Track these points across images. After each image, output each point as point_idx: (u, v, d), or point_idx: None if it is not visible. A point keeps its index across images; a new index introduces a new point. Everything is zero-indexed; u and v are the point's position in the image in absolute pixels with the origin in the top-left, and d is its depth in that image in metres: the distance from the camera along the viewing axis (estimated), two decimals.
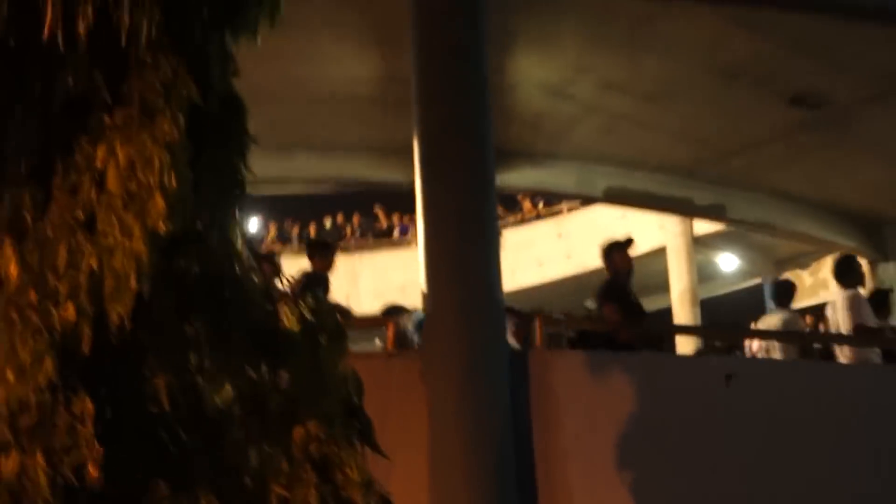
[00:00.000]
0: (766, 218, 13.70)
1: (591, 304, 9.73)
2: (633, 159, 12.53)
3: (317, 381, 4.67)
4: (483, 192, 8.38)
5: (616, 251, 9.68)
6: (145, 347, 4.18)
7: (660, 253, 21.02)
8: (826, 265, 16.58)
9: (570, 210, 25.30)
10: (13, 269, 4.12)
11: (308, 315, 4.81)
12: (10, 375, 3.90)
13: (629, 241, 9.93)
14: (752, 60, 10.58)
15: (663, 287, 20.89)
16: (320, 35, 10.20)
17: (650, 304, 18.80)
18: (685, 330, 16.43)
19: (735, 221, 13.54)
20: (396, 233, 28.52)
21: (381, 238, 28.85)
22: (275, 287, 4.87)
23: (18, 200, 4.28)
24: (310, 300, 4.89)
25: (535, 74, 10.00)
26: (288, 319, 4.77)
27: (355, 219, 28.68)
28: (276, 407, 4.51)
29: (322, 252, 10.00)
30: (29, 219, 4.25)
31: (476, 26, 8.43)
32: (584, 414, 8.26)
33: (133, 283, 4.01)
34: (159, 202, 4.11)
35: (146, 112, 4.36)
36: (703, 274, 21.95)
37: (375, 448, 4.85)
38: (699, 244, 20.57)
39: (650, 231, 20.44)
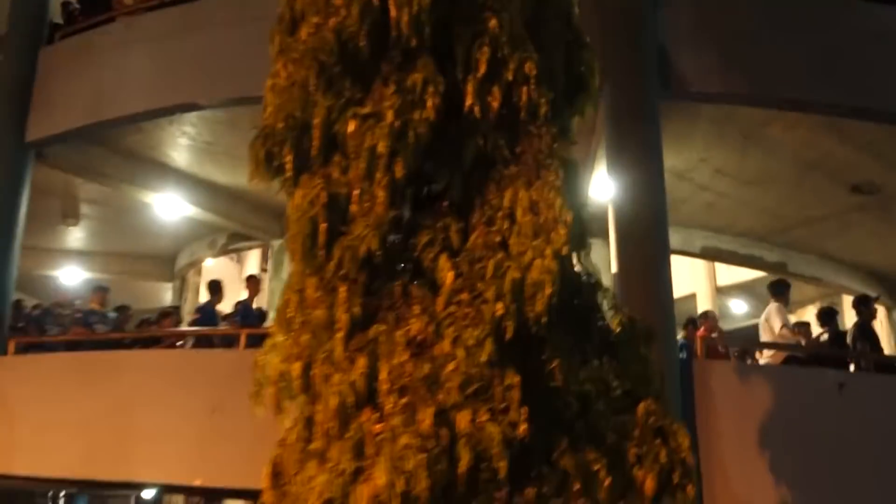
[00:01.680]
0: (816, 274, 13.41)
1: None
2: (723, 226, 12.37)
3: (642, 369, 4.52)
4: (661, 242, 8.23)
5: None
6: (544, 338, 4.05)
7: (691, 297, 20.69)
8: (808, 312, 16.08)
9: None
10: (449, 277, 4.04)
11: (628, 322, 4.68)
12: (460, 353, 3.81)
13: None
14: (829, 157, 10.37)
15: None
16: None
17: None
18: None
19: (793, 275, 13.18)
20: None
21: None
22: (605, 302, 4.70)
23: (447, 228, 4.19)
24: (627, 312, 4.74)
25: (668, 162, 9.82)
26: (616, 325, 4.63)
27: None
28: (618, 387, 4.36)
29: None
30: (456, 241, 4.16)
31: (655, 128, 8.37)
32: (735, 410, 7.95)
33: (548, 290, 3.89)
34: (562, 232, 4.02)
35: (537, 166, 4.27)
36: (721, 314, 21.61)
37: None
38: (720, 292, 20.11)
39: (684, 281, 20.13)
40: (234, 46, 9.56)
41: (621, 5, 8.90)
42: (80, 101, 10.31)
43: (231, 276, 17.91)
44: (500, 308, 3.92)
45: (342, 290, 4.01)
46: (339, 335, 3.94)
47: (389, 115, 4.08)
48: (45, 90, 10.64)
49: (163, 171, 11.84)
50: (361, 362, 3.85)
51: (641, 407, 4.28)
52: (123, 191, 12.19)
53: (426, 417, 3.65)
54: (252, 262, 19.18)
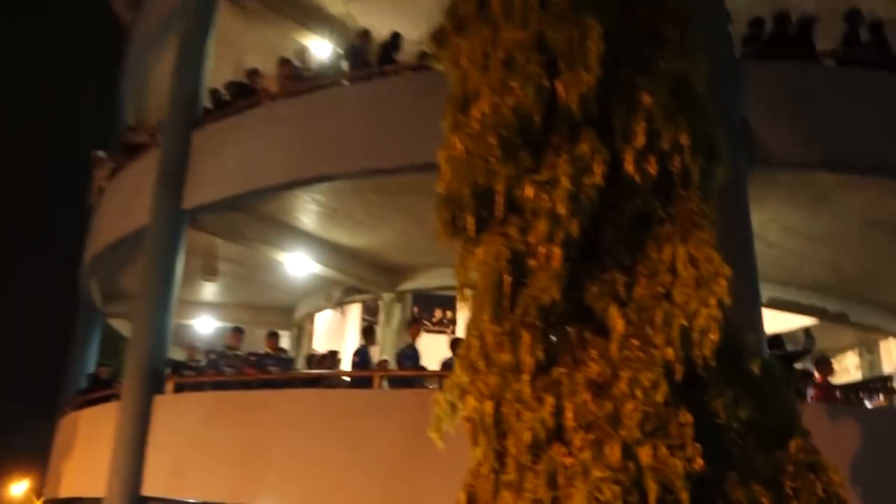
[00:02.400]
0: (875, 323, 12.93)
1: None
2: (789, 279, 12.04)
3: (786, 410, 4.35)
4: (754, 298, 8.07)
5: None
6: (707, 379, 3.93)
7: None
8: (847, 357, 15.45)
9: None
10: (620, 324, 3.96)
11: (768, 366, 4.52)
12: (638, 394, 3.71)
13: None
14: (892, 217, 10.07)
15: None
16: None
17: None
18: None
19: (853, 324, 12.77)
20: None
21: None
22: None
23: (613, 281, 4.12)
24: (767, 357, 4.60)
25: None
26: (757, 368, 4.48)
27: None
28: (767, 425, 4.19)
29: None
30: (622, 292, 4.09)
31: (743, 196, 8.26)
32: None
33: (713, 336, 3.79)
34: (723, 283, 3.92)
35: (689, 226, 4.20)
36: None
37: None
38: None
39: None
40: (361, 126, 9.72)
41: (707, 84, 8.83)
42: (228, 175, 10.57)
43: (337, 325, 18.03)
44: (670, 353, 3.83)
45: (525, 336, 3.96)
46: (526, 377, 3.88)
47: (565, 182, 4.06)
48: (197, 165, 10.94)
49: (293, 233, 12.01)
50: (549, 401, 3.78)
51: (793, 444, 4.11)
52: (258, 250, 12.37)
53: (615, 452, 3.56)
54: (354, 314, 19.20)
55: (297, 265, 12.80)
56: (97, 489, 10.47)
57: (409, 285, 13.51)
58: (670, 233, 4.23)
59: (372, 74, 10.11)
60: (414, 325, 10.59)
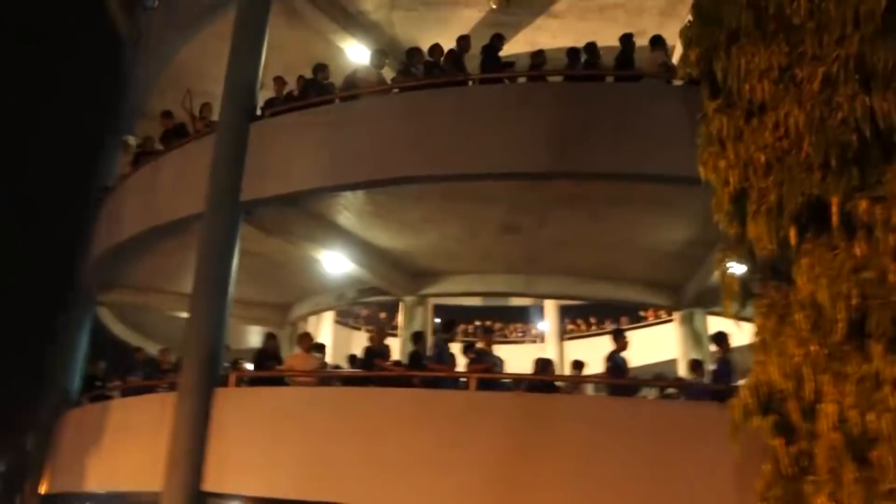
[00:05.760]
0: None
1: None
2: None
3: None
4: None
5: None
6: None
7: None
8: None
9: None
10: None
11: None
12: None
13: None
14: None
15: None
16: (656, 212, 10.08)
17: None
18: None
19: None
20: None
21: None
22: None
23: None
24: None
25: None
26: None
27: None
28: None
29: None
30: None
31: None
32: None
33: None
34: None
35: None
36: None
37: None
38: None
39: None
40: (442, 130, 9.29)
41: None
42: (296, 170, 9.89)
43: (313, 328, 17.30)
44: None
45: (877, 347, 3.77)
46: (888, 388, 3.70)
47: None
48: (257, 158, 10.19)
49: (335, 232, 11.41)
50: None
51: None
52: (299, 246, 11.67)
53: None
54: (328, 318, 18.28)
55: (332, 263, 12.15)
56: (142, 482, 9.58)
57: (433, 290, 13.08)
58: None
59: (451, 82, 9.70)
60: (619, 336, 9.34)
